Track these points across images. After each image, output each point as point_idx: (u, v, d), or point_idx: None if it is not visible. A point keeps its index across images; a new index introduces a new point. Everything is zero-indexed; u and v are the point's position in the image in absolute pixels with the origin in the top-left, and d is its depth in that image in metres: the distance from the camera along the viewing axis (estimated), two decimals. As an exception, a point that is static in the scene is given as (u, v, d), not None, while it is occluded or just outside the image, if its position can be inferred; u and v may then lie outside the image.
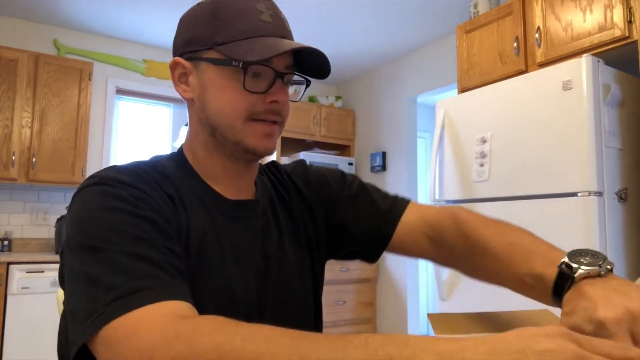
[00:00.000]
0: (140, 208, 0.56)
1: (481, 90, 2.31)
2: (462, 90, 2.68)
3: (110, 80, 3.84)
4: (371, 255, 0.85)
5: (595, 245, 1.77)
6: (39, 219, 3.53)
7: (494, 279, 0.69)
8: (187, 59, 0.68)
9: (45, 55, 3.37)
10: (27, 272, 2.89)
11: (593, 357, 0.34)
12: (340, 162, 4.38)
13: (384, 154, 4.27)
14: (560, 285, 0.54)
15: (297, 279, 0.75)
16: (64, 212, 3.48)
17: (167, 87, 4.04)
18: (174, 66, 0.69)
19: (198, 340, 0.42)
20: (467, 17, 3.09)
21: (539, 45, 2.29)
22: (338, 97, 4.79)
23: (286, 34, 0.69)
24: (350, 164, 4.47)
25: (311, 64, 0.70)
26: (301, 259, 0.77)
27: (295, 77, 0.72)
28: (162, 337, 0.43)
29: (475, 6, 2.75)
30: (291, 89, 0.72)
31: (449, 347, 0.36)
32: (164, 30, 3.68)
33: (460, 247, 0.72)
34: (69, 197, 3.60)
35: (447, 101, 2.48)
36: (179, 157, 0.73)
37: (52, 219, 3.51)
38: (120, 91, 3.93)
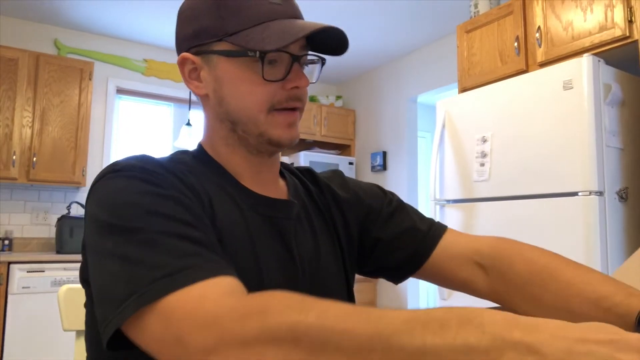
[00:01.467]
0: (170, 191, 0.53)
1: (482, 90, 2.31)
2: (463, 90, 2.68)
3: (110, 80, 3.84)
4: (399, 274, 0.79)
5: (595, 245, 1.77)
6: (39, 218, 3.53)
7: (559, 310, 0.61)
8: (195, 54, 0.64)
9: (46, 55, 3.37)
10: (27, 272, 2.89)
11: None
12: (340, 162, 4.38)
13: (384, 154, 4.27)
14: None
15: (331, 285, 0.71)
16: (65, 211, 3.48)
17: (168, 87, 4.04)
18: (182, 62, 0.65)
19: (271, 317, 0.40)
20: (467, 16, 3.09)
21: (540, 45, 2.29)
22: (338, 97, 4.79)
23: (297, 13, 0.65)
24: (351, 163, 4.47)
25: (325, 40, 0.65)
26: (335, 265, 0.74)
27: (310, 57, 0.67)
28: (231, 314, 0.41)
29: (476, 6, 2.75)
30: (306, 70, 0.68)
31: (528, 337, 0.34)
32: (164, 29, 3.68)
33: (522, 273, 0.65)
34: (70, 196, 3.61)
35: (448, 101, 2.48)
36: (200, 153, 0.69)
37: (53, 219, 3.50)
38: (121, 91, 3.93)
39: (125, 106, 4.01)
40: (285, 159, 4.23)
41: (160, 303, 0.43)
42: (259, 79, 0.61)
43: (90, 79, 3.49)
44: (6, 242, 3.32)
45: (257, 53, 0.60)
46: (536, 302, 0.63)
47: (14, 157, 3.18)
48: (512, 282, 0.66)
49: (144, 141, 4.05)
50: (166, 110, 4.18)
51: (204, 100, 0.67)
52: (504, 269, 0.67)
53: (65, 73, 3.40)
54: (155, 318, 0.43)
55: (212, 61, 0.63)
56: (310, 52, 0.66)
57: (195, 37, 0.64)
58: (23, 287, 2.87)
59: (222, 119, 0.65)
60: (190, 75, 0.66)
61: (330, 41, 0.65)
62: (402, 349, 0.36)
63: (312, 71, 0.69)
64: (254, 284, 0.60)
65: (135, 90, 3.95)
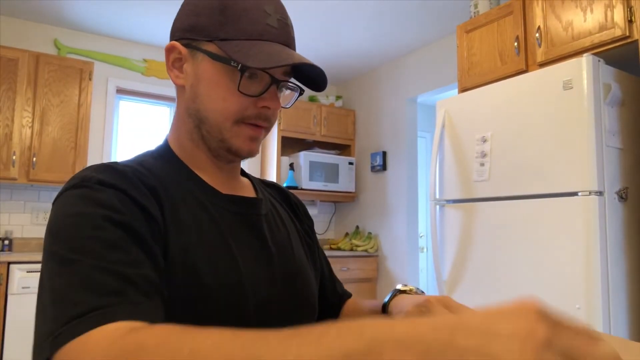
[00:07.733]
0: (119, 213, 0.53)
1: (481, 90, 2.31)
2: (463, 90, 2.68)
3: (110, 80, 3.84)
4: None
5: (595, 245, 1.77)
6: (39, 218, 3.53)
7: None
8: (185, 45, 0.67)
9: (46, 55, 3.37)
10: (27, 272, 2.89)
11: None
12: (340, 162, 4.38)
13: (384, 154, 4.27)
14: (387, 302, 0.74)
15: (304, 271, 0.76)
16: (65, 211, 3.48)
17: (167, 87, 4.04)
18: (170, 49, 0.68)
19: (143, 356, 0.39)
20: (467, 16, 3.09)
21: (540, 45, 2.29)
22: (338, 97, 4.79)
23: (290, 41, 0.67)
24: (351, 163, 4.47)
25: (308, 72, 0.69)
26: (305, 256, 0.79)
27: (289, 84, 0.71)
28: (105, 358, 0.40)
29: (476, 6, 2.75)
30: (283, 94, 0.71)
31: (409, 331, 0.31)
32: (164, 30, 3.68)
33: None
34: (70, 196, 3.60)
35: (448, 101, 2.48)
36: (165, 150, 0.71)
37: (53, 219, 3.50)
38: (121, 91, 3.93)
39: (125, 106, 4.01)
40: (286, 159, 4.23)
41: (61, 351, 0.43)
42: (234, 89, 0.64)
43: (90, 79, 3.49)
44: (6, 242, 3.32)
45: (239, 65, 0.62)
46: None
47: (14, 157, 3.18)
48: None
49: (143, 141, 4.05)
50: (165, 111, 4.19)
51: (180, 91, 0.70)
52: None
53: (65, 73, 3.40)
54: None
55: (197, 57, 0.66)
56: (291, 80, 0.70)
57: (189, 31, 0.66)
58: (23, 287, 2.87)
59: (191, 113, 0.68)
60: (173, 63, 0.69)
61: (313, 75, 0.70)
62: None
63: (288, 97, 0.73)
64: (232, 275, 0.63)
65: (135, 90, 3.95)
